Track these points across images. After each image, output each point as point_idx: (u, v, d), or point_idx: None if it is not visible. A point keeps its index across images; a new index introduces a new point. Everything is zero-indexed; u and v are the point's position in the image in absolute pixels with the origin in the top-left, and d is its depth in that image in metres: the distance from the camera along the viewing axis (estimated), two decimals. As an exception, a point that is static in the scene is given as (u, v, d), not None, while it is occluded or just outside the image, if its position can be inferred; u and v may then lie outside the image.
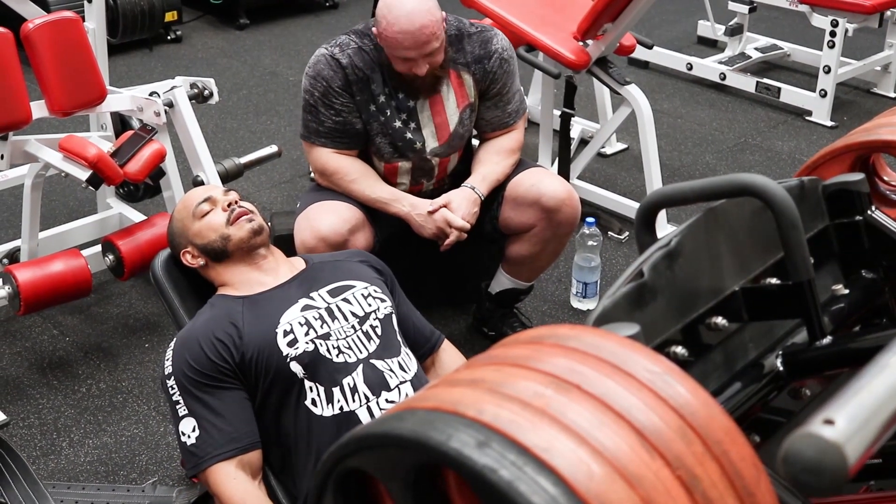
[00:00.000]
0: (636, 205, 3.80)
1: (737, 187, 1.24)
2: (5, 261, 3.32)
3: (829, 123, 4.80)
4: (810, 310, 1.26)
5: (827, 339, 1.28)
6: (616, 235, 3.84)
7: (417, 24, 2.63)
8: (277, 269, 2.35)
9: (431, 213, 2.82)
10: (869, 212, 1.49)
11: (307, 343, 2.16)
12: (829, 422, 0.81)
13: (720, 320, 1.25)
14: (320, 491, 0.98)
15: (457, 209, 2.81)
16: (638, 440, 0.85)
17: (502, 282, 3.10)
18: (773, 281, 1.32)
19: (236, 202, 2.37)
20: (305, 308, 2.23)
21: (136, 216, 3.48)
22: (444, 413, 0.87)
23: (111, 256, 3.07)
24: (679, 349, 1.19)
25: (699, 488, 0.85)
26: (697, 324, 1.25)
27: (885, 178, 1.91)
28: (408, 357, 2.30)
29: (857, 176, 1.50)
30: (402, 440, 0.88)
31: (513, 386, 0.89)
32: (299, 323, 2.19)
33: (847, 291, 1.46)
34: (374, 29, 2.75)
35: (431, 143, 2.89)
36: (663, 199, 1.32)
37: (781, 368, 1.31)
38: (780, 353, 1.33)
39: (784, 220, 1.21)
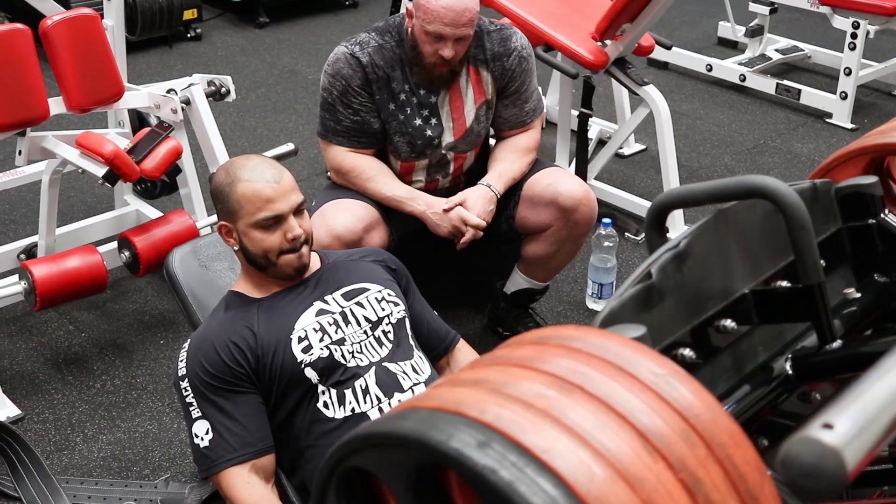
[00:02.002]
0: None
1: (747, 189, 1.23)
2: (22, 256, 3.33)
3: (850, 126, 4.77)
4: (820, 313, 1.25)
5: (837, 343, 1.27)
6: (633, 237, 3.82)
7: (463, 5, 2.67)
8: None
9: (447, 211, 2.81)
10: (882, 215, 1.48)
11: (322, 349, 2.15)
12: (828, 426, 0.80)
13: (729, 323, 1.24)
14: (323, 490, 0.98)
15: (472, 207, 2.80)
16: (640, 442, 0.84)
17: (518, 282, 3.10)
18: (784, 284, 1.31)
19: (305, 238, 2.22)
20: (320, 313, 2.21)
21: (153, 213, 3.49)
22: (447, 413, 0.87)
23: (127, 253, 3.08)
24: (687, 351, 1.18)
25: (702, 491, 0.84)
26: (706, 326, 1.24)
27: None
28: (421, 360, 2.29)
29: (871, 179, 1.49)
30: (404, 439, 0.87)
31: (516, 386, 0.88)
32: (314, 329, 2.18)
33: (859, 295, 1.44)
34: (408, 6, 2.75)
35: (448, 138, 2.89)
36: (674, 201, 1.31)
37: (790, 372, 1.30)
38: (790, 356, 1.32)
39: (794, 222, 1.20)
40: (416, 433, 0.86)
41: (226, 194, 2.20)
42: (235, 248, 2.25)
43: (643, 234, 3.80)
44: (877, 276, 1.49)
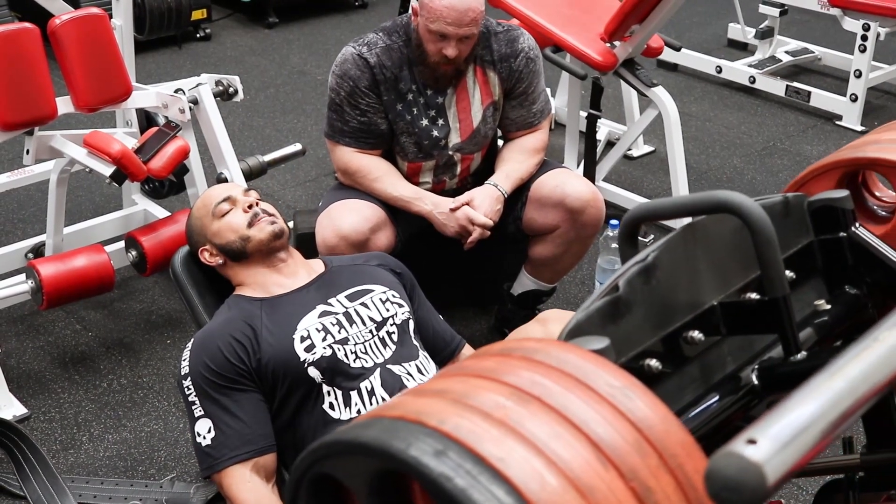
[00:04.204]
0: (662, 208, 3.76)
1: (714, 204, 1.26)
2: (30, 255, 3.34)
3: (860, 128, 4.76)
4: (785, 325, 1.28)
5: (801, 355, 1.30)
6: (641, 238, 3.80)
7: (466, 5, 2.66)
8: (296, 271, 2.35)
9: (454, 210, 2.80)
10: (853, 228, 1.51)
11: (325, 348, 2.15)
12: (751, 441, 0.82)
13: (696, 334, 1.27)
14: (294, 495, 1.02)
15: (479, 206, 2.79)
16: (593, 452, 0.87)
17: (525, 283, 3.09)
18: (753, 296, 1.33)
19: (257, 203, 2.36)
20: (323, 314, 2.22)
21: (161, 213, 3.50)
22: (408, 422, 0.90)
23: (134, 252, 3.09)
24: (653, 362, 1.20)
25: (652, 499, 0.87)
26: (674, 337, 1.26)
27: (877, 194, 1.93)
28: (426, 360, 2.29)
29: (842, 193, 1.53)
30: (366, 447, 0.91)
31: (476, 397, 0.92)
32: (316, 329, 2.18)
33: (829, 307, 1.47)
34: (414, 4, 2.75)
35: (454, 139, 2.88)
36: (645, 214, 1.35)
37: (756, 382, 1.33)
38: (756, 367, 1.34)
39: (759, 237, 1.22)
40: (378, 441, 0.90)
41: (189, 226, 2.42)
42: (220, 261, 2.37)
43: (651, 236, 3.79)
44: (848, 288, 1.52)
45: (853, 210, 1.52)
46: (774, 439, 0.83)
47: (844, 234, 1.50)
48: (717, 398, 1.28)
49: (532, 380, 0.93)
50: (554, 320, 2.16)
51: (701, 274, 1.32)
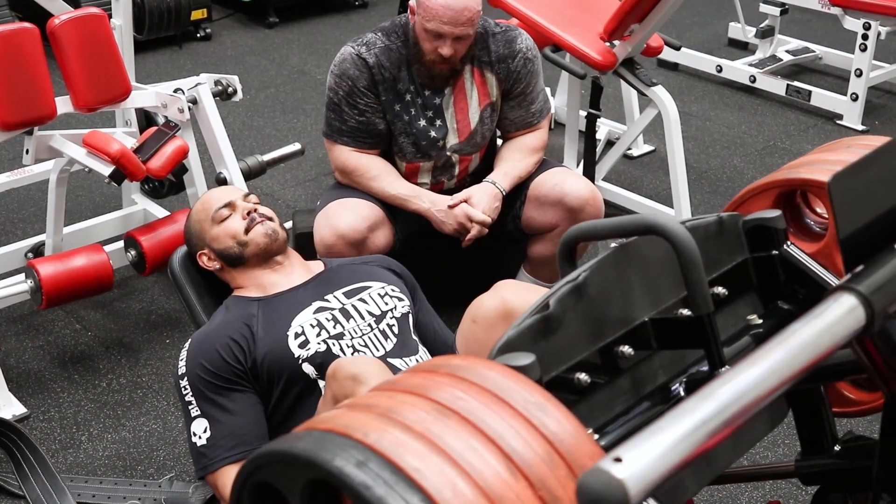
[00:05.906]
0: (662, 208, 3.77)
1: (643, 226, 1.34)
2: (30, 255, 3.34)
3: (860, 128, 4.75)
4: (710, 341, 1.33)
5: (725, 368, 1.34)
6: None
7: (462, 4, 2.67)
8: (293, 272, 2.36)
9: (452, 207, 2.80)
10: (785, 246, 1.58)
11: (319, 344, 2.16)
12: (618, 460, 0.88)
13: (627, 349, 1.33)
14: (237, 501, 1.08)
15: (477, 203, 2.80)
16: (505, 463, 0.93)
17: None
18: (685, 312, 1.39)
19: (255, 209, 2.36)
20: (318, 310, 2.23)
21: (161, 212, 3.51)
22: (336, 434, 0.96)
23: (133, 252, 3.09)
24: (583, 376, 1.26)
25: None
26: (605, 352, 1.32)
27: (818, 210, 1.98)
28: (426, 355, 2.30)
29: (775, 213, 1.60)
30: (297, 458, 0.97)
31: (400, 412, 0.98)
32: (311, 325, 2.19)
33: (760, 321, 1.53)
34: (412, 3, 2.75)
35: (452, 140, 2.89)
36: (581, 235, 1.43)
37: (683, 395, 1.39)
38: (684, 380, 1.41)
39: (685, 258, 1.28)
40: (307, 452, 0.96)
41: (188, 227, 2.43)
42: (217, 266, 2.38)
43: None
44: (780, 304, 1.58)
45: (785, 229, 1.59)
46: (638, 458, 0.89)
47: (777, 252, 1.57)
48: (645, 409, 1.35)
49: (454, 395, 0.99)
50: (507, 288, 2.17)
51: (633, 292, 1.38)
